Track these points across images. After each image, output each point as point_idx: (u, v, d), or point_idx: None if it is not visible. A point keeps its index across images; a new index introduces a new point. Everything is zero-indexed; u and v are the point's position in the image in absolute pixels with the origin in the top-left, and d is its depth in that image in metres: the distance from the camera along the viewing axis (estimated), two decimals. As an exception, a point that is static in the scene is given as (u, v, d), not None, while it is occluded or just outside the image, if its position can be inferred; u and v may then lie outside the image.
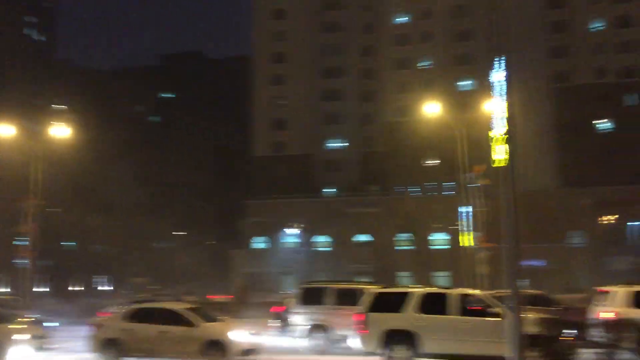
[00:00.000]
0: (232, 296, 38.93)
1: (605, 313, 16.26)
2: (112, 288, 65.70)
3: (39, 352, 17.01)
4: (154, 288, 51.53)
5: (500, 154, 13.41)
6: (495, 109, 14.57)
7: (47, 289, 48.71)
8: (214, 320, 17.44)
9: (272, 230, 59.98)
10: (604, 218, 52.80)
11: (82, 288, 55.45)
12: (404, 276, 53.47)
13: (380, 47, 68.39)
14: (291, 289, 37.91)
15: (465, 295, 15.75)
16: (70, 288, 50.82)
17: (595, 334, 11.02)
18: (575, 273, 48.46)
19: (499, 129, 14.34)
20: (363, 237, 59.64)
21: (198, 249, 66.93)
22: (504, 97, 13.87)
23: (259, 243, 62.04)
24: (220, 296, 41.51)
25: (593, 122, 61.47)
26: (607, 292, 17.83)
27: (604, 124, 61.67)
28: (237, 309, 29.86)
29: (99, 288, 66.02)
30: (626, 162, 55.12)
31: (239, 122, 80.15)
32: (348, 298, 18.70)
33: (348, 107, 68.82)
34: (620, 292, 17.19)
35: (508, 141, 13.14)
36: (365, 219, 57.80)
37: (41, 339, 17.27)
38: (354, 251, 58.09)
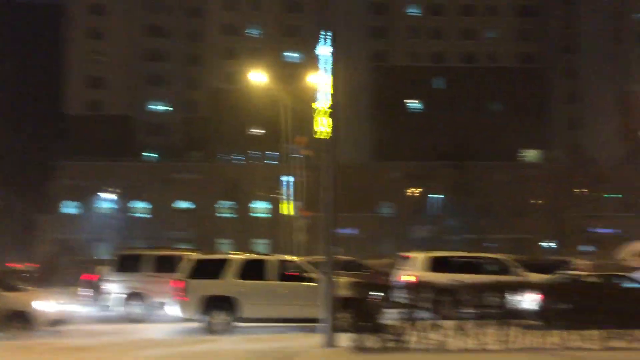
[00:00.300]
0: (38, 264, 36.45)
1: (406, 276, 18.08)
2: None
3: None
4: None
5: (323, 126, 13.96)
6: (319, 82, 15.10)
7: None
8: (15, 289, 16.24)
9: (86, 195, 56.61)
10: (410, 191, 57.48)
11: None
12: (224, 243, 53.69)
13: (207, 9, 66.74)
14: (105, 256, 36.28)
15: (283, 262, 16.31)
16: None
17: (399, 296, 12.13)
18: (383, 240, 52.34)
19: (323, 102, 14.90)
20: (184, 204, 58.75)
21: (-1, 212, 60.93)
22: (329, 72, 14.40)
23: (70, 208, 58.28)
24: (23, 264, 38.84)
25: (405, 101, 66.23)
26: (409, 258, 19.96)
27: (414, 104, 66.75)
28: (44, 278, 28.04)
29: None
30: (431, 141, 60.33)
31: (49, 77, 73.68)
32: (166, 265, 18.37)
33: (172, 69, 66.44)
34: (420, 257, 19.35)
35: (331, 115, 13.66)
36: (187, 185, 56.95)
37: None
38: (174, 218, 57.06)
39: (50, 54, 72.64)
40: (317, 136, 14.60)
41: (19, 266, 36.70)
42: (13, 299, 15.39)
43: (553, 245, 52.17)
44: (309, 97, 33.36)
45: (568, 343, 11.80)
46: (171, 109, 66.74)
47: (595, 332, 11.93)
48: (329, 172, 12.84)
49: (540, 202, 52.84)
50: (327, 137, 13.42)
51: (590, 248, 47.28)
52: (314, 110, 15.50)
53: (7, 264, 38.05)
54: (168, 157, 63.15)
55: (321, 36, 14.29)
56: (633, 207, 54.79)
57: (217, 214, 58.06)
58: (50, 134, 68.55)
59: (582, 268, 22.38)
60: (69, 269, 30.16)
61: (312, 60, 40.96)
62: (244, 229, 54.19)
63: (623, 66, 65.04)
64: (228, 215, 57.91)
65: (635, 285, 16.67)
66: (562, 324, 12.16)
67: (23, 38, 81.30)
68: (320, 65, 14.41)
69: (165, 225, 55.18)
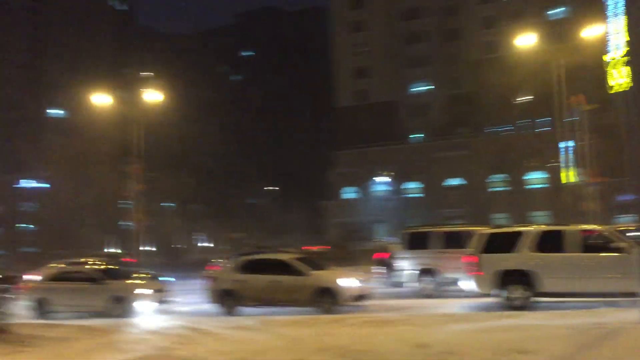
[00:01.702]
0: (329, 246, 39.44)
1: None
2: (211, 244, 68.47)
3: (161, 305, 17.87)
4: (251, 242, 53.12)
5: (620, 77, 12.42)
6: (609, 30, 13.45)
7: (154, 248, 51.49)
8: (321, 268, 17.66)
9: (361, 180, 59.94)
10: None
11: (185, 246, 58.24)
12: (499, 218, 52.17)
13: (460, -18, 65.29)
14: (385, 236, 37.77)
15: (584, 232, 15.01)
16: (173, 246, 53.56)
17: None
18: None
19: (616, 51, 13.25)
20: (454, 181, 58.47)
21: (289, 202, 68.12)
22: (620, 15, 12.73)
23: (349, 193, 62.22)
24: (317, 247, 42.13)
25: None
26: None
27: None
28: (336, 258, 30.22)
29: (199, 245, 69.01)
30: None
31: (319, 75, 79.70)
32: (455, 241, 18.36)
33: (431, 48, 66.58)
34: None
35: (629, 63, 12.07)
36: (456, 162, 56.50)
37: (161, 293, 18.14)
38: (446, 195, 57.19)
39: (319, 54, 78.36)
40: (612, 91, 13.01)
41: (313, 248, 40.00)
42: (322, 276, 16.80)
43: None
44: (584, 52, 30.41)
45: None
46: (433, 87, 66.97)
47: None
48: (631, 126, 11.33)
49: None
50: (626, 89, 11.87)
51: None
52: (606, 63, 13.85)
53: (302, 247, 41.95)
54: (434, 136, 63.50)
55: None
56: None
57: (489, 189, 56.61)
58: (324, 127, 74.17)
59: None
60: (356, 249, 32.17)
61: (579, 13, 37.18)
62: (519, 202, 51.92)
63: None
64: (501, 188, 56.04)
65: None
66: None
67: (297, 42, 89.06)
68: (609, 10, 12.82)
69: (437, 203, 55.64)
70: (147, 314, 17.30)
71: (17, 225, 68.54)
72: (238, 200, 64.55)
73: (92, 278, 18.06)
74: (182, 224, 65.30)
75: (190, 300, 20.04)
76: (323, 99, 77.51)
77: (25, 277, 19.98)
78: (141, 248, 43.42)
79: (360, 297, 16.64)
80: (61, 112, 77.81)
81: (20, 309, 15.49)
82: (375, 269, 22.82)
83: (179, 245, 53.86)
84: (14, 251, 60.29)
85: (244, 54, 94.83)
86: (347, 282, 16.59)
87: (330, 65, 70.85)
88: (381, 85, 66.73)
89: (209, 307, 17.78)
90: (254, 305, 16.96)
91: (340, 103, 69.18)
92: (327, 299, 16.26)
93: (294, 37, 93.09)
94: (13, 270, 29.52)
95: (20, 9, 78.19)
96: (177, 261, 43.71)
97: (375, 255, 23.72)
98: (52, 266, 19.99)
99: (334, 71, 69.98)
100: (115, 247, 65.62)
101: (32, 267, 30.79)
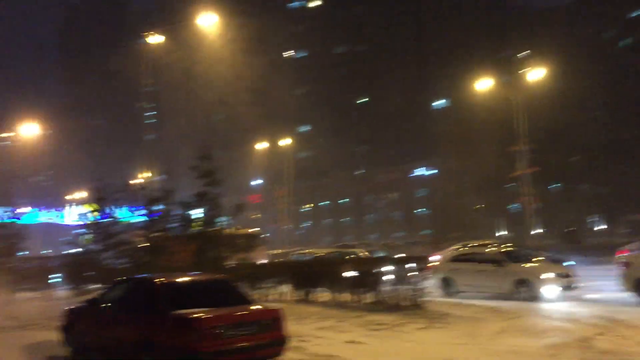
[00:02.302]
0: None
1: None
2: (606, 227, 62.87)
3: (567, 291, 16.92)
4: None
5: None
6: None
7: (541, 230, 49.77)
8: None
9: None
10: None
11: (575, 228, 54.69)
12: None
13: None
14: None
15: None
16: (567, 230, 50.81)
17: None
18: None
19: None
20: None
21: None
22: None
23: None
24: None
25: None
26: None
27: None
28: None
29: (595, 228, 64.15)
30: None
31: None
32: None
33: None
34: None
35: None
36: None
37: (567, 278, 17.17)
38: None
39: None
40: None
41: None
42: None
43: None
44: None
45: None
46: None
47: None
48: None
49: None
50: None
51: None
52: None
53: None
54: None
55: None
56: None
57: None
58: None
59: None
60: None
61: None
62: None
63: None
64: None
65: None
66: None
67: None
68: None
69: None
70: (554, 299, 16.57)
71: (413, 210, 74.93)
72: (636, 178, 57.60)
73: (495, 260, 18.15)
74: (572, 205, 61.69)
75: (599, 287, 18.54)
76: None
77: (430, 257, 21.30)
78: (531, 232, 42.52)
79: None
80: (444, 101, 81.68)
81: (428, 288, 16.48)
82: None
83: (573, 229, 50.84)
84: (412, 234, 65.87)
85: (633, 15, 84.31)
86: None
87: None
88: None
89: (622, 295, 16.07)
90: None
91: None
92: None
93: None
94: (413, 251, 32.07)
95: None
96: (573, 245, 41.41)
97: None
98: (454, 248, 20.89)
99: None
100: (505, 230, 65.90)
101: (430, 249, 33.05)
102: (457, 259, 19.78)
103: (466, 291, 18.77)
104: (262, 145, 66.51)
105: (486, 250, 19.66)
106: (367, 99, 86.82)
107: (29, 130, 52.36)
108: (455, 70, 69.30)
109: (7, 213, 34.63)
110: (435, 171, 73.84)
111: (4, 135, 55.29)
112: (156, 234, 18.09)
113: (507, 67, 61.99)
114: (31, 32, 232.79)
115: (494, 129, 53.69)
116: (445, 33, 77.66)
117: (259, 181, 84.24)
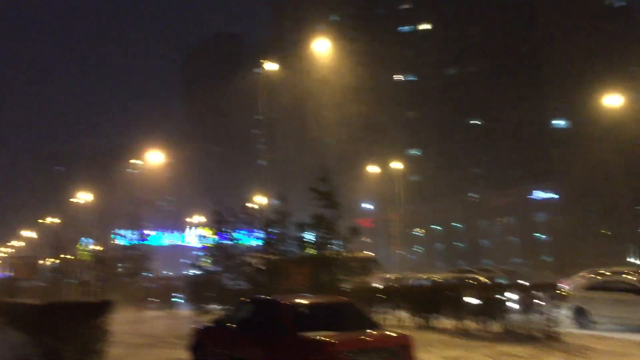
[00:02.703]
0: None
1: None
2: None
3: None
4: None
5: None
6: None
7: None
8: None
9: None
10: None
11: None
12: None
13: None
14: None
15: None
16: None
17: None
18: None
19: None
20: None
21: None
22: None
23: None
24: None
25: None
26: None
27: None
28: None
29: None
30: None
31: None
32: None
33: None
34: None
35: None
36: None
37: None
38: None
39: None
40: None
41: None
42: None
43: None
44: None
45: None
46: None
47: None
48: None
49: None
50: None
51: None
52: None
53: None
54: None
55: None
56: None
57: None
58: None
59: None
60: None
61: None
62: None
63: None
64: None
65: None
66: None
67: None
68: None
69: None
70: None
71: (532, 235, 71.08)
72: None
73: (638, 289, 16.55)
74: None
75: None
76: None
77: (559, 285, 19.88)
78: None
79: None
80: (563, 121, 77.75)
81: (558, 317, 15.30)
82: None
83: None
84: (531, 260, 62.45)
85: None
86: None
87: None
88: None
89: None
90: None
91: None
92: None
93: None
94: (538, 278, 30.16)
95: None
96: None
97: None
98: (584, 276, 19.37)
99: None
100: (635, 257, 61.04)
101: (555, 276, 30.95)
102: (592, 287, 18.28)
103: (602, 322, 17.27)
104: (373, 169, 66.24)
105: (627, 278, 18.02)
106: (480, 121, 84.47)
107: (155, 159, 55.81)
108: (576, 87, 65.87)
109: (136, 235, 36.72)
110: (554, 194, 69.93)
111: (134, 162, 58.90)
112: (273, 257, 18.20)
113: (634, 82, 57.98)
114: (156, 70, 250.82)
115: (621, 148, 50.19)
116: (564, 47, 74.00)
117: (369, 205, 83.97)
